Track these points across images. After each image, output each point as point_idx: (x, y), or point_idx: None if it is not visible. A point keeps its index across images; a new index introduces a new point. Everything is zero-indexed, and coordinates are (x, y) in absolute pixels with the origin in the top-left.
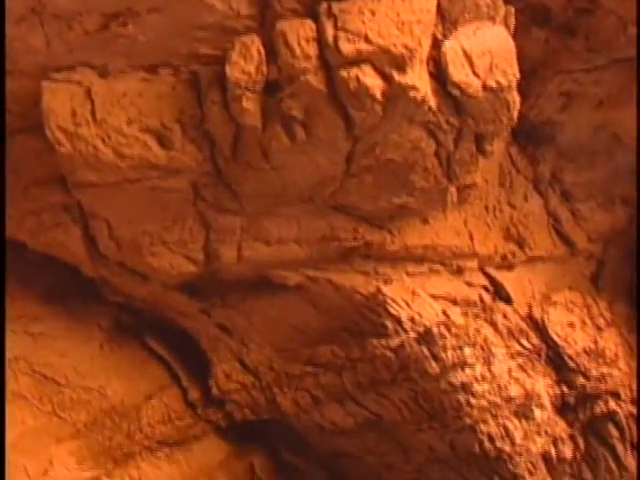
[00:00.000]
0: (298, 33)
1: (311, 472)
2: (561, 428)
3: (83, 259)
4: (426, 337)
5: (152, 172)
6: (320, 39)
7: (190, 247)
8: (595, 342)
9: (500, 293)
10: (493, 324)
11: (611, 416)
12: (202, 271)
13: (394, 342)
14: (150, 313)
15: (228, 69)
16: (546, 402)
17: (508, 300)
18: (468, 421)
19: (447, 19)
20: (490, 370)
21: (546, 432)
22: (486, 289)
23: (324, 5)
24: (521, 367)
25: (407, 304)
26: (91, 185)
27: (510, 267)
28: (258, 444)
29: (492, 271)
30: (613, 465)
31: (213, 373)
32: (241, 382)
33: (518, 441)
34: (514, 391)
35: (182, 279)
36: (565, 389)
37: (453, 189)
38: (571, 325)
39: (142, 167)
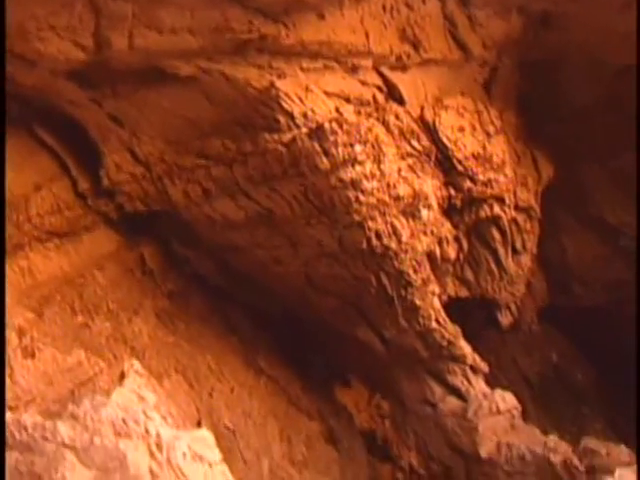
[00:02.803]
0: None
1: (200, 264)
2: (447, 229)
3: None
4: (318, 133)
5: None
6: None
7: (79, 33)
8: (484, 148)
9: (393, 93)
10: (385, 124)
11: (495, 220)
12: (92, 58)
13: (286, 137)
14: (39, 102)
15: None
16: (433, 203)
17: (401, 101)
18: (357, 218)
19: None
20: (380, 168)
21: (432, 232)
22: (379, 89)
23: None
24: (411, 167)
25: (300, 99)
26: None
27: (404, 68)
28: (149, 235)
29: (386, 71)
30: (494, 267)
31: (103, 164)
32: (132, 173)
33: (404, 239)
34: (403, 190)
35: (71, 66)
36: (452, 191)
37: None
38: (461, 129)
39: None
